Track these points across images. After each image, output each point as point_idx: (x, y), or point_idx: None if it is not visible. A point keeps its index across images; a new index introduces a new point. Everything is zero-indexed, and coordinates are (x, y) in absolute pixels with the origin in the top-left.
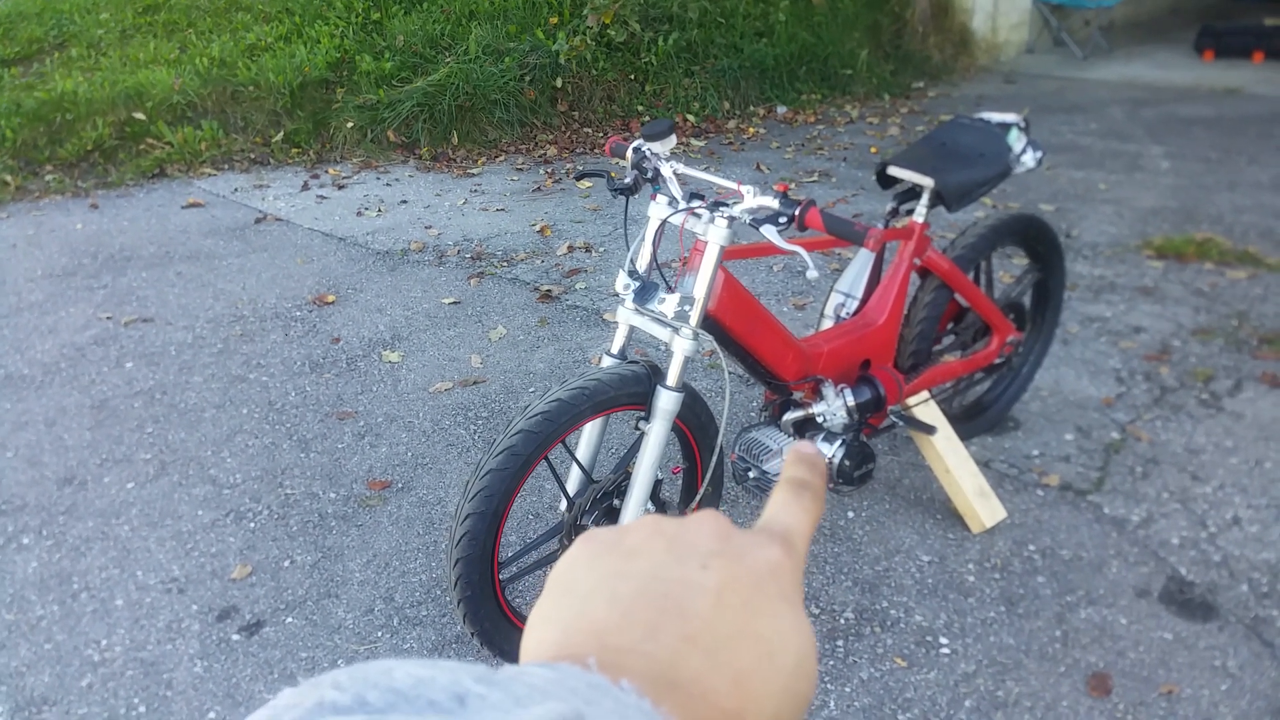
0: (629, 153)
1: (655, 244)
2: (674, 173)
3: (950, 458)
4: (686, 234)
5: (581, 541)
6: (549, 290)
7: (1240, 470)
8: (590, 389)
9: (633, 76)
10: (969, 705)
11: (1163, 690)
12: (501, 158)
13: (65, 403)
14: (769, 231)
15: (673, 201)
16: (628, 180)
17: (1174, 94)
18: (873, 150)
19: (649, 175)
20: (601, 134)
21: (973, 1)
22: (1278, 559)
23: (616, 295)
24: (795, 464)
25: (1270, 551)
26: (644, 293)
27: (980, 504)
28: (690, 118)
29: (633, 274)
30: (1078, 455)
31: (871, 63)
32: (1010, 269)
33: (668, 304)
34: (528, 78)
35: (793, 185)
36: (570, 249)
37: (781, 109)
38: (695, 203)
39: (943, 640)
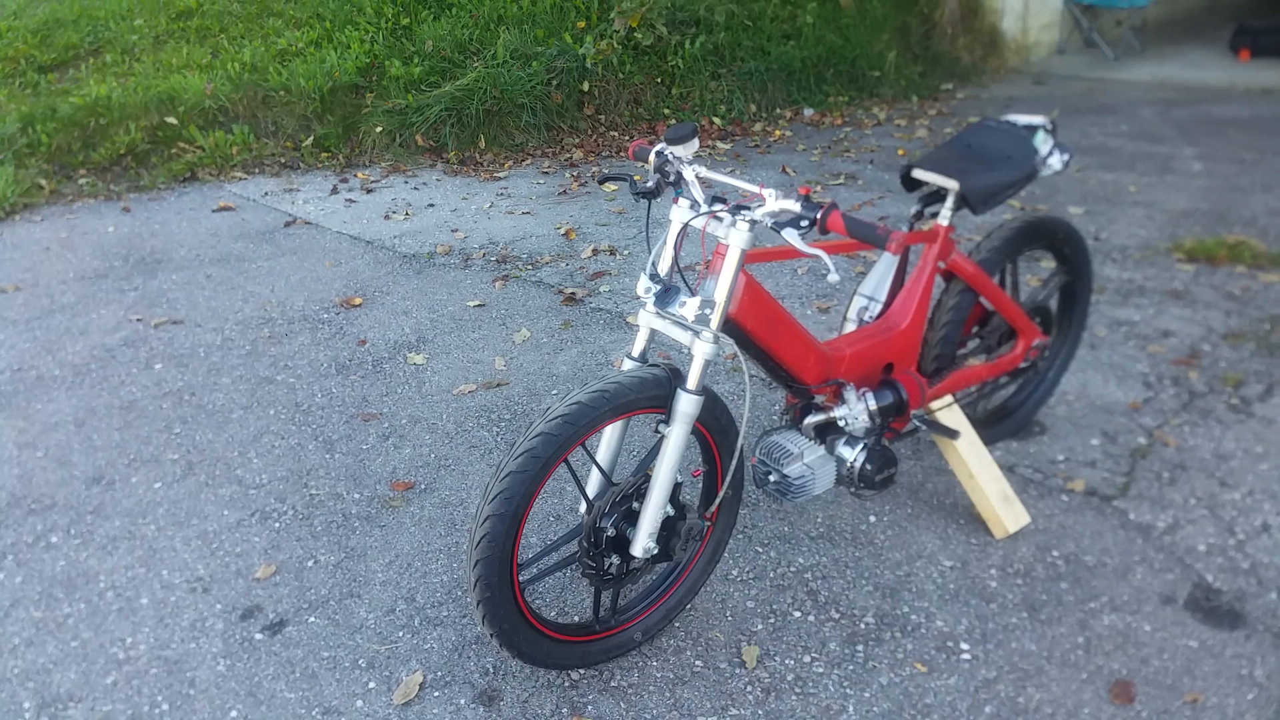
0: (651, 156)
1: (677, 247)
2: (696, 176)
3: (974, 462)
4: (708, 238)
5: None
6: (573, 293)
7: (1270, 477)
8: (610, 392)
9: (659, 80)
10: (989, 711)
11: (1187, 699)
12: (528, 161)
13: (95, 403)
14: (790, 235)
15: (695, 205)
16: (650, 184)
17: (1208, 94)
18: (900, 153)
19: (671, 179)
20: (628, 137)
21: (1003, 2)
22: None
23: (639, 298)
24: None
25: None
26: (665, 296)
27: (1004, 509)
28: (717, 120)
29: (654, 277)
30: (1104, 460)
31: (900, 64)
32: (1039, 273)
33: (688, 307)
34: (555, 82)
35: (818, 188)
36: (595, 252)
37: (808, 111)
38: (717, 206)
39: (964, 646)
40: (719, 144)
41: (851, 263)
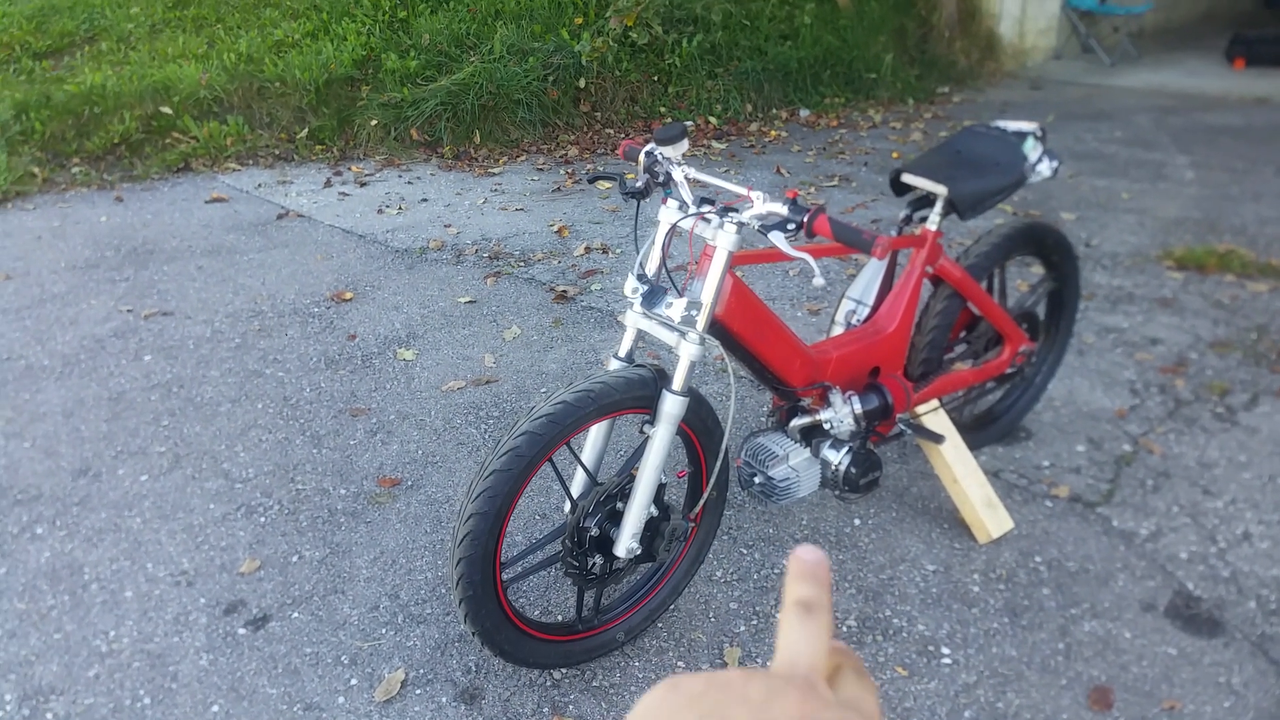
0: (641, 156)
1: (665, 248)
2: (685, 177)
3: (958, 467)
4: (696, 239)
5: (665, 691)
6: (565, 291)
7: (1253, 485)
8: (595, 392)
9: (656, 78)
10: (968, 716)
11: (1164, 706)
12: (523, 157)
13: (83, 394)
14: (776, 238)
15: (683, 206)
16: (639, 184)
17: (1202, 102)
18: (895, 155)
19: (660, 179)
20: (624, 135)
21: (1000, 6)
22: None
23: (626, 298)
24: (797, 581)
25: None
26: (652, 296)
27: (987, 514)
28: (713, 120)
29: (642, 278)
30: (1088, 467)
31: (896, 67)
32: (1030, 278)
33: (675, 308)
34: (551, 78)
35: (812, 190)
36: (587, 250)
37: (804, 112)
38: (705, 208)
39: (944, 650)
40: (714, 143)
41: (843, 265)
